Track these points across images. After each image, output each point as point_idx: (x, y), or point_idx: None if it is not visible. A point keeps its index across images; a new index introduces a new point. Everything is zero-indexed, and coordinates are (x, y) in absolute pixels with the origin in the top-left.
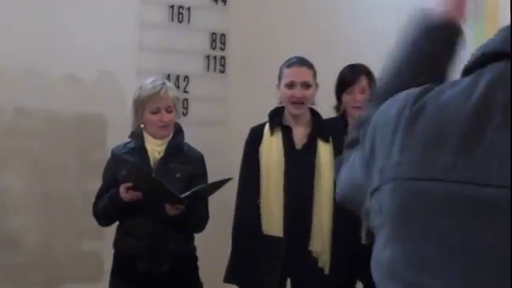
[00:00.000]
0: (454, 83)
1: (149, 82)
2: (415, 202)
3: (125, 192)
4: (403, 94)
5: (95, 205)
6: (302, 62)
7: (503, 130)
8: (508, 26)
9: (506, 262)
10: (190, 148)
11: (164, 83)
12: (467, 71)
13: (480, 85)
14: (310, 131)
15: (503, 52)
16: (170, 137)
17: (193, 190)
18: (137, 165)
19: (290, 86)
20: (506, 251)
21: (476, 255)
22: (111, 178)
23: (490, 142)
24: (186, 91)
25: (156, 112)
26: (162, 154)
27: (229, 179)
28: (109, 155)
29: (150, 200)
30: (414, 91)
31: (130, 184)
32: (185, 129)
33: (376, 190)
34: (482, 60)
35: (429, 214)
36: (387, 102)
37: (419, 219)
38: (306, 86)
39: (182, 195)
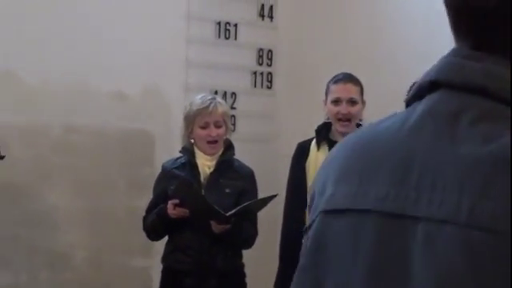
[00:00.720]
0: (392, 116)
1: (199, 97)
2: (342, 234)
3: (172, 208)
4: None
5: (145, 219)
6: (348, 79)
7: (430, 161)
8: (448, 54)
9: None
10: (241, 164)
11: (214, 98)
12: (407, 104)
13: (413, 115)
14: None
15: (438, 81)
16: (221, 152)
17: (238, 207)
18: (184, 181)
19: (336, 102)
20: (440, 284)
21: None
22: (161, 193)
23: (419, 172)
24: (233, 107)
25: (205, 127)
26: (212, 169)
27: (275, 195)
28: (156, 171)
29: (196, 217)
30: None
31: (177, 201)
32: None
33: (307, 228)
34: (419, 92)
35: (359, 247)
36: None
37: (346, 251)
38: (352, 102)
39: (228, 213)
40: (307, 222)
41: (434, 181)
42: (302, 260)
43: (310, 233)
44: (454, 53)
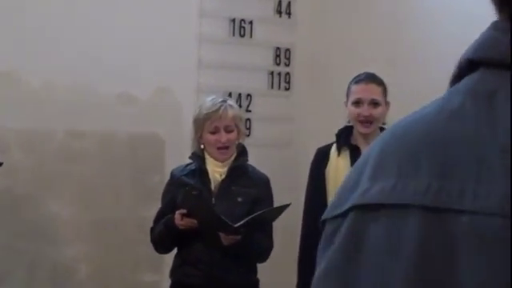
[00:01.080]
0: (433, 103)
1: (209, 100)
2: (379, 232)
3: (180, 219)
4: None
5: (152, 230)
6: (370, 79)
7: (472, 149)
8: (488, 28)
9: None
10: (255, 170)
11: (224, 101)
12: (451, 86)
13: (453, 99)
14: None
15: (476, 59)
16: (233, 158)
17: (247, 218)
18: (191, 189)
19: (357, 103)
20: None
21: None
22: (169, 202)
23: (461, 161)
24: (248, 110)
25: (214, 132)
26: (223, 176)
27: (288, 205)
28: (166, 179)
29: (204, 228)
30: None
31: (185, 211)
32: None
33: (324, 222)
34: (459, 72)
35: (399, 246)
36: None
37: (384, 250)
38: (374, 104)
39: (237, 224)
40: (327, 213)
41: (479, 171)
42: (327, 262)
43: (342, 231)
44: (493, 26)
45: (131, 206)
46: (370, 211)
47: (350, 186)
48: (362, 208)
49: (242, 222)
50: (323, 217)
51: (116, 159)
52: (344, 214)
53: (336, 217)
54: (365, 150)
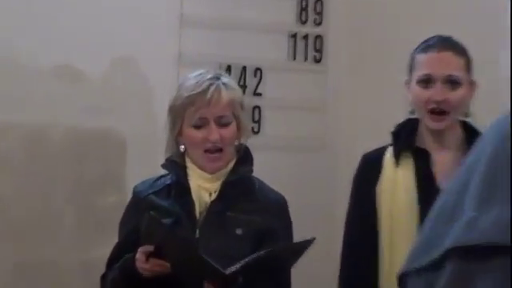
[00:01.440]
0: None
1: (193, 76)
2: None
3: (144, 261)
4: None
5: (103, 278)
6: (445, 45)
7: None
8: None
9: None
10: (264, 187)
11: (217, 77)
12: None
13: None
14: (462, 158)
15: None
16: (229, 168)
17: (246, 259)
18: (156, 215)
19: (426, 82)
20: None
21: None
22: (131, 234)
23: None
24: (257, 93)
25: (200, 125)
26: (214, 196)
27: (312, 240)
28: (127, 199)
29: (180, 275)
30: None
31: (151, 248)
32: (255, 154)
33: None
34: None
35: None
36: None
37: None
38: (452, 83)
39: (229, 270)
40: (409, 263)
41: None
42: None
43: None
44: None
45: (73, 241)
46: (480, 257)
47: (448, 211)
48: (467, 252)
49: (237, 267)
50: (404, 268)
51: (53, 167)
52: (440, 263)
53: (427, 267)
54: (438, 155)
